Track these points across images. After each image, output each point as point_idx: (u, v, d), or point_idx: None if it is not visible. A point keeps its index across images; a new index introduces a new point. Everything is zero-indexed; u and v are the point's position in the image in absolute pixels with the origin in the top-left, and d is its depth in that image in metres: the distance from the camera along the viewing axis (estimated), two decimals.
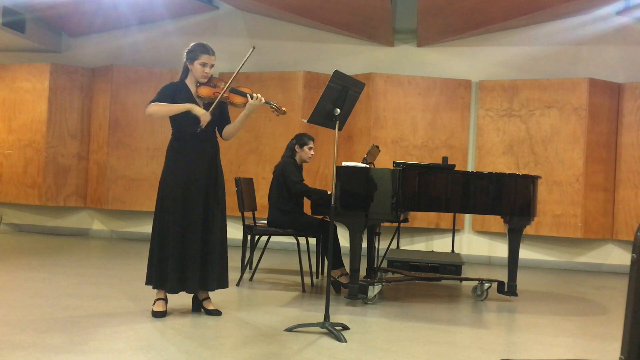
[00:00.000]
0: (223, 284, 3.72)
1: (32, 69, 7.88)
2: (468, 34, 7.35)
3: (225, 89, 3.62)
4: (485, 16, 6.87)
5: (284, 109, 3.70)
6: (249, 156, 7.52)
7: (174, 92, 3.62)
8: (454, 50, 7.54)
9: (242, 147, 7.51)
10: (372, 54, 7.69)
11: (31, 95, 7.85)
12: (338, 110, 3.51)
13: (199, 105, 3.62)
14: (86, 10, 7.65)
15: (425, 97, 7.27)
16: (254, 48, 3.60)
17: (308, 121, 3.52)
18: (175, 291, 3.58)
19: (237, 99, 3.66)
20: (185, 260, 3.55)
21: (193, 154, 3.62)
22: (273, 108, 3.67)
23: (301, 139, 5.00)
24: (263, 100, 3.63)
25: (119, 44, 8.18)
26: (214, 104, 3.59)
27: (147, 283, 3.64)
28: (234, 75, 3.60)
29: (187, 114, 3.55)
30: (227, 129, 3.77)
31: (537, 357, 3.17)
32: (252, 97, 3.60)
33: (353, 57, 7.68)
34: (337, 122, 3.53)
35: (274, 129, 7.35)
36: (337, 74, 3.48)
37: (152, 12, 7.70)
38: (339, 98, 3.52)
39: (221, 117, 3.75)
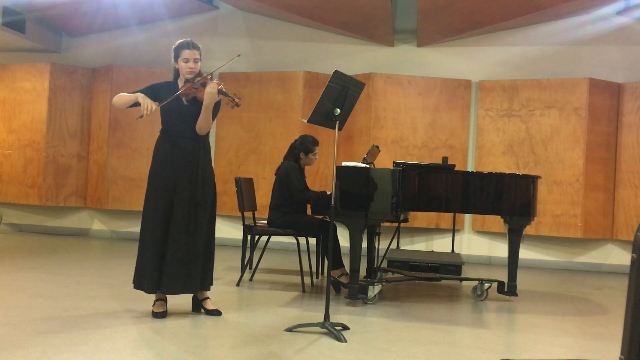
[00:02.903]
0: (206, 285, 3.69)
1: (32, 69, 7.88)
2: (468, 34, 7.35)
3: (194, 82, 3.54)
4: (485, 16, 6.87)
5: (237, 100, 3.51)
6: (249, 156, 7.52)
7: (161, 89, 3.61)
8: (454, 50, 7.54)
9: (242, 147, 7.51)
10: (372, 54, 7.69)
11: (31, 95, 7.85)
12: (338, 110, 3.51)
13: (181, 102, 3.57)
14: (86, 10, 7.65)
15: (425, 97, 7.27)
16: (238, 55, 3.65)
17: (308, 121, 3.52)
18: (153, 291, 3.56)
19: (201, 93, 3.55)
20: (166, 261, 3.51)
21: (177, 153, 3.58)
22: (229, 98, 3.51)
23: (306, 146, 4.91)
24: (217, 87, 3.49)
25: (119, 44, 8.18)
26: (173, 96, 3.50)
27: (132, 281, 3.65)
28: (212, 72, 3.58)
29: (170, 112, 3.54)
30: (196, 123, 3.62)
31: (537, 357, 3.17)
32: (208, 86, 3.49)
33: (353, 57, 7.67)
34: (337, 122, 3.53)
35: (274, 129, 7.34)
36: (337, 74, 3.48)
37: (152, 12, 7.70)
38: (339, 98, 3.52)
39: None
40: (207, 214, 3.64)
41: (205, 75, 3.61)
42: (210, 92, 3.50)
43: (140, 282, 3.58)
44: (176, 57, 3.60)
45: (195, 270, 3.58)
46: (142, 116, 3.47)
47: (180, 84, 3.64)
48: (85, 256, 6.29)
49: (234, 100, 3.51)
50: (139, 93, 3.54)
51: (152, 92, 3.59)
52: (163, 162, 3.60)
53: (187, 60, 3.57)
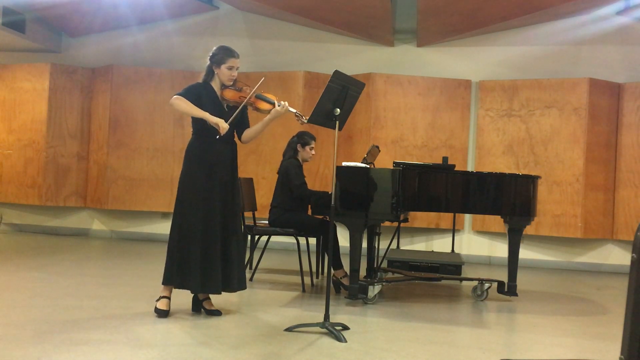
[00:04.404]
0: (242, 284, 3.73)
1: (32, 69, 7.88)
2: (468, 34, 7.35)
3: (251, 94, 3.64)
4: (485, 16, 6.87)
5: (305, 118, 3.70)
6: (249, 156, 7.52)
7: (200, 92, 3.64)
8: (454, 50, 7.54)
9: (242, 147, 7.35)
10: (372, 54, 7.69)
11: (31, 95, 7.85)
12: (338, 110, 3.52)
13: (223, 108, 3.67)
14: (86, 10, 7.65)
15: (425, 97, 7.27)
16: (263, 79, 3.74)
17: (308, 121, 3.53)
18: (198, 290, 3.61)
19: (263, 105, 3.69)
20: (207, 261, 3.56)
21: (213, 155, 3.66)
22: (297, 116, 3.70)
23: (304, 139, 4.99)
24: (287, 107, 3.65)
25: (119, 44, 8.18)
26: (237, 111, 3.61)
27: (165, 283, 3.62)
28: (260, 82, 3.63)
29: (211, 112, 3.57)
30: (247, 133, 3.83)
31: (537, 357, 3.17)
32: (278, 105, 3.63)
33: (353, 57, 7.67)
34: (337, 122, 3.53)
35: (274, 129, 7.32)
36: (337, 74, 3.48)
37: (152, 12, 7.70)
38: (339, 98, 3.52)
39: (241, 120, 3.78)
40: (239, 212, 3.78)
41: (241, 82, 3.77)
42: (280, 112, 3.62)
43: (184, 281, 3.57)
44: (219, 63, 3.66)
45: (233, 269, 3.64)
46: (219, 136, 3.54)
47: (216, 87, 3.71)
48: (85, 256, 6.29)
49: (302, 116, 3.70)
50: (205, 114, 3.54)
51: (194, 94, 3.62)
52: (199, 163, 3.65)
53: (231, 68, 3.67)
